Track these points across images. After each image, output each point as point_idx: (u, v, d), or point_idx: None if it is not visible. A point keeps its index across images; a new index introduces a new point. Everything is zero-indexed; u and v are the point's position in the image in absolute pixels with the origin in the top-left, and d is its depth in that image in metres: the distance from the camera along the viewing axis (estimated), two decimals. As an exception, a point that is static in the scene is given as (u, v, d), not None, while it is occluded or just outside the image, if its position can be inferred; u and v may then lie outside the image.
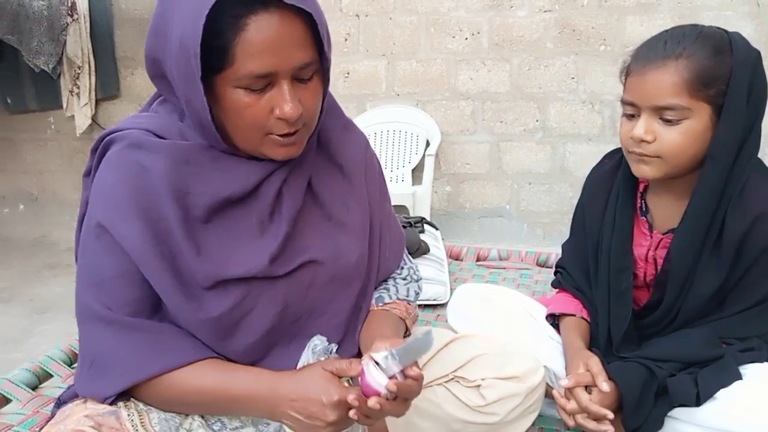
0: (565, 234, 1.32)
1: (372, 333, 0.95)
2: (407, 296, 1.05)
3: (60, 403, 0.89)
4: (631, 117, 1.04)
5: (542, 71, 3.22)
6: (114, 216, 0.82)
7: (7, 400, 1.15)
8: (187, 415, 0.88)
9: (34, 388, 1.19)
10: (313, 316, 0.92)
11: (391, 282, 1.06)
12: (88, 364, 0.85)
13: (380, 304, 1.01)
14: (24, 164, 3.84)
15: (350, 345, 0.96)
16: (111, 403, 0.83)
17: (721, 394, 0.96)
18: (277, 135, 0.81)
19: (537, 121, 3.30)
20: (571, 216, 1.27)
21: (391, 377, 0.77)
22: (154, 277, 0.82)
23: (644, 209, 1.12)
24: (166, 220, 0.82)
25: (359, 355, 1.01)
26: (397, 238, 1.08)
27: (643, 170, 1.03)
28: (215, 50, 0.76)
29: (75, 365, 1.10)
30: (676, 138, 0.99)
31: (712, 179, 1.00)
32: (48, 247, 3.47)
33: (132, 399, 0.85)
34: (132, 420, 0.82)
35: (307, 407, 0.79)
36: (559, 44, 3.17)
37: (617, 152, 1.17)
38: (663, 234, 1.09)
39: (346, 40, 3.28)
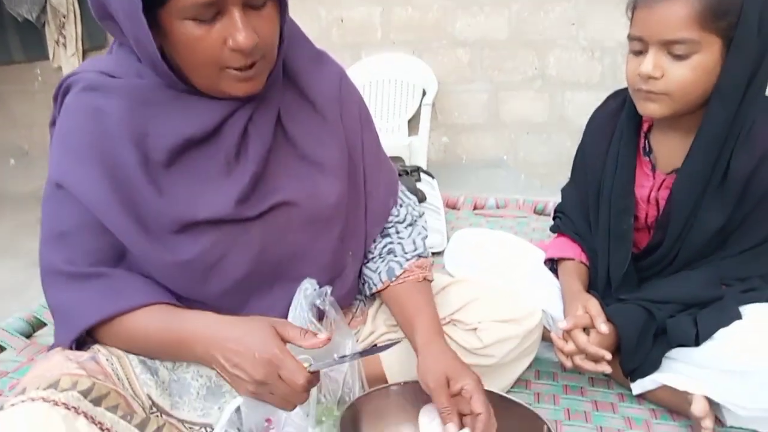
0: (563, 183, 1.30)
1: (406, 318, 0.94)
2: (415, 250, 1.00)
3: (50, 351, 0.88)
4: (638, 54, 1.00)
5: (542, 17, 3.13)
6: (71, 165, 0.80)
7: (2, 348, 1.14)
8: None
9: (29, 336, 1.19)
10: (294, 260, 0.90)
11: (394, 235, 1.02)
12: (54, 316, 0.85)
13: (393, 279, 0.97)
14: (12, 117, 3.77)
15: (339, 288, 0.94)
16: (85, 350, 0.83)
17: (721, 334, 0.95)
18: (234, 69, 0.77)
19: (536, 69, 3.23)
20: (568, 166, 1.24)
21: None
22: (114, 224, 0.79)
23: (647, 149, 1.09)
24: (125, 165, 0.79)
25: (348, 297, 0.99)
26: (387, 173, 1.04)
27: (650, 108, 1.00)
28: None
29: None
30: (685, 73, 0.95)
31: (719, 116, 0.97)
32: (40, 201, 3.44)
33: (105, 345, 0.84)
34: (112, 364, 0.81)
35: (237, 355, 0.74)
36: (559, -12, 3.07)
37: (621, 93, 1.13)
38: (666, 174, 1.07)
39: (340, -15, 3.17)
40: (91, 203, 0.79)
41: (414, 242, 1.01)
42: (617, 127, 1.11)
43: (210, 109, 0.82)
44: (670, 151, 1.06)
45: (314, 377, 0.76)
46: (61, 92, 0.84)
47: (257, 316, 0.81)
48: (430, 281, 1.00)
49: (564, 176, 1.45)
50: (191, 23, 0.73)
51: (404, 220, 1.04)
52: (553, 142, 3.30)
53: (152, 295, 0.82)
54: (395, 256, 0.99)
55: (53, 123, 0.86)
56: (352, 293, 1.01)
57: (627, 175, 1.08)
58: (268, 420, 0.82)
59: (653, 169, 1.08)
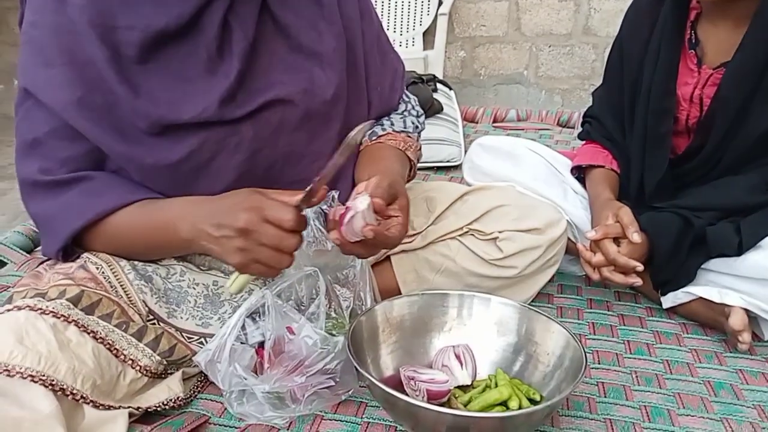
0: (585, 100, 1.19)
1: (363, 169, 0.87)
2: (405, 128, 0.95)
3: (41, 264, 0.84)
4: None
5: None
6: (37, 67, 0.73)
7: (3, 264, 1.11)
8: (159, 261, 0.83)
9: (30, 251, 1.15)
10: (290, 162, 0.83)
11: (384, 118, 0.97)
12: (38, 227, 0.82)
13: (373, 139, 0.92)
14: (12, 36, 3.63)
15: (341, 190, 0.87)
16: (73, 260, 0.80)
17: (766, 241, 0.87)
18: None
19: (561, -27, 3.00)
20: (591, 81, 1.13)
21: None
22: (86, 128, 0.73)
23: (694, 41, 0.97)
24: (94, 63, 0.71)
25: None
26: (390, 66, 0.97)
27: None
28: None
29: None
30: None
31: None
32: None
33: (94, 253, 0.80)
34: (102, 271, 0.77)
35: (218, 214, 0.69)
36: None
37: (665, -24, 1.00)
38: (713, 69, 0.95)
39: None
40: (60, 107, 0.72)
41: (404, 122, 0.97)
42: (660, 15, 0.99)
43: None
44: (719, 42, 0.94)
45: (302, 216, 0.69)
46: None
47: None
48: (409, 159, 0.94)
49: (586, 93, 1.34)
50: None
51: (399, 110, 0.99)
52: (577, 55, 3.12)
53: (133, 193, 0.77)
54: (381, 126, 0.95)
55: (21, 22, 0.77)
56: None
57: (669, 70, 0.97)
58: (289, 328, 0.77)
59: (699, 63, 0.97)
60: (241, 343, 0.77)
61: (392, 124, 0.95)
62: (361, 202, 0.70)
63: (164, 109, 0.73)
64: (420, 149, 1.00)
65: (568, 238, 1.04)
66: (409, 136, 0.96)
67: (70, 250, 0.80)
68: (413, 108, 1.01)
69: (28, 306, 0.68)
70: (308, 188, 0.68)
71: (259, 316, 0.79)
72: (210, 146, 0.77)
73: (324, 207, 0.83)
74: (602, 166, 1.09)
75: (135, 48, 0.72)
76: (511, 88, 3.27)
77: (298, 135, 0.82)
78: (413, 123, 0.98)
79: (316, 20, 0.82)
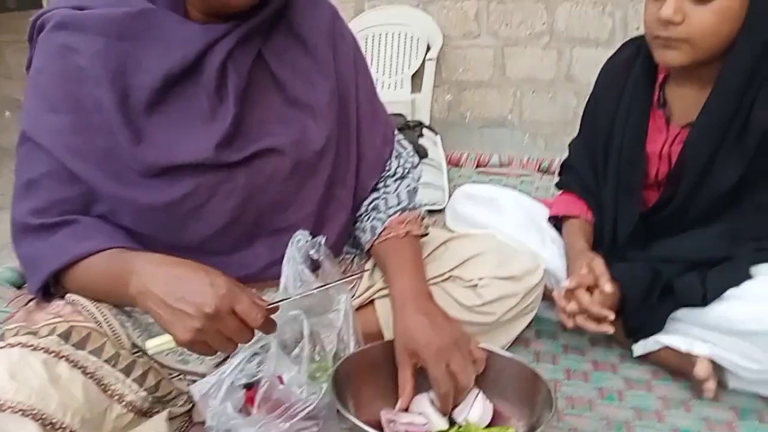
0: (567, 144, 1.25)
1: (387, 280, 0.91)
2: (399, 204, 0.96)
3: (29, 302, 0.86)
4: None
5: (552, -33, 3.01)
6: (40, 112, 0.77)
7: (-8, 299, 1.12)
8: None
9: (19, 286, 1.16)
10: (279, 209, 0.87)
11: (381, 189, 0.98)
12: (24, 268, 0.83)
13: (376, 238, 0.94)
14: (7, 69, 3.68)
15: (327, 235, 0.89)
16: (59, 298, 0.81)
17: (730, 294, 0.92)
18: None
19: (544, 24, 3.12)
20: (573, 126, 1.20)
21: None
22: (86, 173, 0.76)
23: (662, 101, 1.04)
24: (100, 107, 0.75)
25: (336, 248, 0.95)
26: (382, 120, 1.00)
27: (668, 56, 0.94)
28: None
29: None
30: (707, 18, 0.89)
31: (740, 64, 0.91)
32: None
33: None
34: (86, 307, 0.79)
35: (185, 287, 0.66)
36: (571, -64, 2.95)
37: (635, 41, 1.08)
38: (681, 128, 1.02)
39: (342, -69, 3.04)
40: (59, 151, 0.76)
41: (398, 196, 0.97)
42: (630, 77, 1.06)
43: (188, 37, 0.78)
44: (686, 103, 1.01)
45: (270, 319, 0.70)
46: (35, 32, 0.80)
47: None
48: (417, 235, 0.96)
49: (569, 136, 1.39)
50: None
51: (395, 174, 1.00)
52: (559, 101, 3.22)
53: (111, 240, 0.78)
54: (378, 212, 0.96)
55: (29, 66, 0.82)
56: (339, 244, 0.98)
57: (639, 126, 1.03)
58: (279, 378, 0.79)
59: (667, 122, 1.03)
60: (232, 382, 0.79)
61: (387, 205, 0.96)
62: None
63: (163, 151, 0.77)
64: (420, 206, 1.01)
65: (545, 285, 1.08)
66: (405, 210, 0.96)
67: (52, 290, 0.81)
68: (407, 162, 1.02)
69: (21, 343, 0.70)
70: (277, 307, 0.71)
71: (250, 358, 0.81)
72: (204, 190, 0.80)
73: (311, 252, 0.86)
74: (577, 217, 1.14)
75: (143, 92, 0.76)
76: (495, 131, 3.37)
77: (287, 183, 0.86)
78: (408, 187, 0.99)
79: (311, 74, 0.87)
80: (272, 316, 0.72)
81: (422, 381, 0.83)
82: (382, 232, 0.94)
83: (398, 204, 0.96)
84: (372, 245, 0.95)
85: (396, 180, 1.00)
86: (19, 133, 0.80)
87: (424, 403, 0.83)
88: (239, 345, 0.71)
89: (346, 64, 0.92)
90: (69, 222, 0.78)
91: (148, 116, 0.77)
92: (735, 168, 0.95)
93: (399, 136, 1.04)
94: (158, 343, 0.69)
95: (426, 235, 0.99)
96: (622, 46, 1.11)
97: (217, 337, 0.67)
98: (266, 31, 0.83)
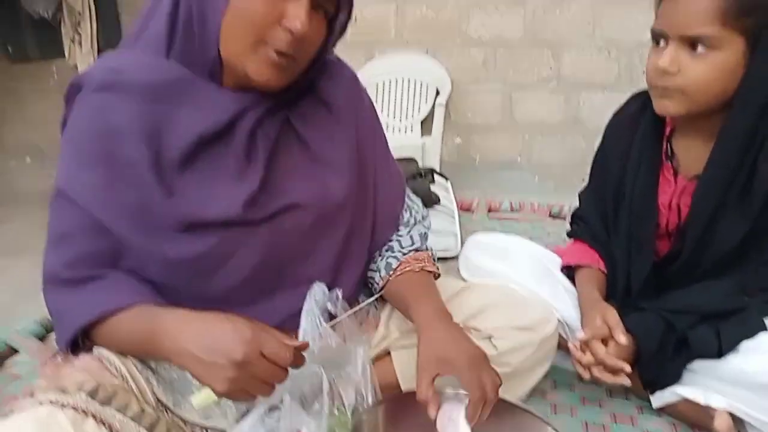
0: (577, 186, 1.27)
1: (406, 310, 0.92)
2: (412, 245, 1.00)
3: (56, 355, 0.88)
4: (659, 49, 0.97)
5: (557, 16, 3.10)
6: (75, 168, 0.80)
7: (16, 351, 1.14)
8: None
9: (42, 338, 1.19)
10: (300, 261, 0.89)
11: (394, 235, 1.02)
12: (53, 320, 0.85)
13: (390, 273, 0.97)
14: (28, 115, 3.79)
15: (343, 290, 0.91)
16: (87, 352, 0.83)
17: (745, 346, 0.92)
18: (272, 49, 0.77)
19: (551, 69, 3.19)
20: (583, 168, 1.22)
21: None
22: (117, 227, 0.79)
23: (670, 153, 1.06)
24: (135, 165, 0.78)
25: (352, 299, 0.97)
26: (395, 176, 1.04)
27: (664, 105, 0.97)
28: None
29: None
30: (703, 70, 0.92)
31: (740, 120, 0.94)
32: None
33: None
34: (113, 363, 0.81)
35: (213, 340, 0.69)
36: (576, -13, 3.04)
37: (642, 95, 1.11)
38: (688, 180, 1.04)
39: (353, -16, 3.15)
40: (91, 205, 0.79)
41: (411, 238, 1.01)
42: (638, 129, 1.09)
43: (223, 102, 0.82)
44: (692, 156, 1.03)
45: (300, 355, 0.73)
46: (73, 92, 0.84)
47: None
48: (431, 272, 0.99)
49: (578, 178, 1.43)
50: None
51: (407, 223, 1.04)
52: (568, 143, 3.27)
53: (139, 295, 0.80)
54: (392, 252, 0.99)
55: (64, 123, 0.86)
56: (354, 294, 1.00)
57: (649, 179, 1.06)
58: None
59: (675, 174, 1.06)
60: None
61: (401, 246, 1.00)
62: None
63: (193, 208, 0.80)
64: (433, 254, 1.04)
65: (560, 335, 1.09)
66: (419, 251, 1.00)
67: (80, 344, 0.83)
68: (417, 212, 1.06)
69: (50, 401, 0.71)
70: (307, 342, 0.75)
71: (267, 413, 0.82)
72: (229, 244, 0.83)
73: (329, 306, 0.88)
74: (590, 266, 1.16)
75: (176, 151, 0.80)
76: (505, 173, 3.40)
77: (308, 237, 0.89)
78: (419, 233, 1.03)
79: (333, 133, 0.91)
80: (291, 370, 0.74)
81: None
82: (397, 267, 0.97)
83: (412, 245, 1.00)
84: (387, 281, 0.97)
85: (408, 227, 1.03)
86: (54, 188, 0.83)
87: (452, 411, 0.82)
88: (276, 386, 0.72)
89: (365, 126, 0.96)
90: (98, 276, 0.81)
91: (179, 174, 0.81)
92: (740, 223, 0.97)
93: (407, 191, 1.08)
94: (201, 398, 0.71)
95: (438, 276, 1.01)
96: (629, 99, 1.15)
97: (252, 382, 0.70)
98: (293, 97, 0.88)
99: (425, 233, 1.05)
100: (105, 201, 0.79)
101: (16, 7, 3.32)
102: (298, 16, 0.75)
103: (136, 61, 0.83)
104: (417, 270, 0.97)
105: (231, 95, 0.83)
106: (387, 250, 1.00)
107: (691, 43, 0.92)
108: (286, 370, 0.72)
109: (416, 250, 1.00)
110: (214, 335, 0.71)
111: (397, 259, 0.98)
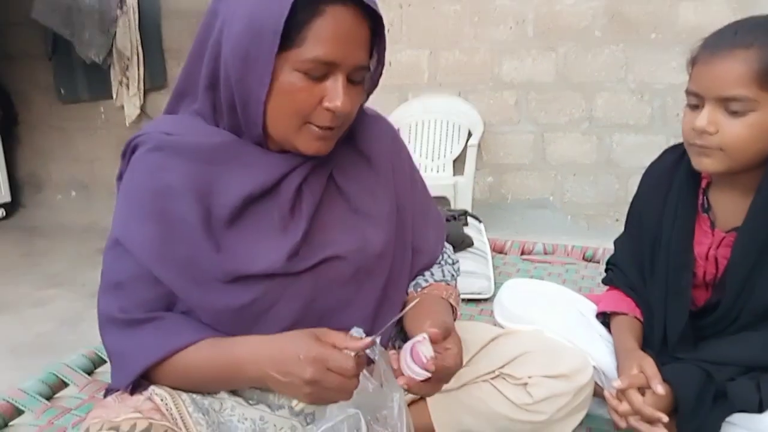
0: (610, 226, 1.28)
1: (413, 319, 0.94)
2: (443, 277, 1.04)
3: (107, 391, 0.93)
4: (694, 108, 0.99)
5: (589, 60, 3.14)
6: (130, 221, 0.85)
7: (66, 384, 1.19)
8: (216, 393, 0.90)
9: (90, 373, 1.23)
10: (339, 310, 0.92)
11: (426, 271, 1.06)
12: (111, 360, 0.90)
13: (418, 290, 1.01)
14: (76, 152, 3.98)
15: (381, 335, 0.95)
16: (141, 391, 0.87)
17: (786, 401, 0.92)
18: (316, 126, 0.82)
19: (583, 111, 3.22)
20: (616, 208, 1.24)
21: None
22: (168, 279, 0.84)
23: (706, 206, 1.07)
24: (186, 221, 0.83)
25: (387, 340, 1.00)
26: (435, 224, 1.08)
27: (704, 163, 0.99)
28: (285, 29, 0.77)
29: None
30: (740, 130, 0.94)
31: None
32: (99, 233, 3.60)
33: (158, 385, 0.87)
34: (166, 403, 0.84)
35: (285, 363, 0.77)
36: (607, 32, 3.09)
37: (678, 147, 1.12)
38: (725, 232, 1.05)
39: (388, 30, 3.24)
40: (144, 258, 0.84)
41: (442, 272, 1.05)
42: (674, 181, 1.10)
43: (270, 165, 0.87)
44: (729, 209, 1.04)
45: (360, 361, 0.78)
46: (129, 150, 0.90)
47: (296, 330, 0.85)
48: (453, 307, 1.01)
49: (611, 218, 1.43)
50: (300, 75, 0.80)
51: (439, 262, 1.08)
52: (600, 184, 3.26)
53: (201, 331, 0.85)
54: (423, 277, 1.04)
55: (120, 178, 0.92)
56: (389, 339, 1.02)
57: (686, 230, 1.07)
58: None
59: (712, 226, 1.07)
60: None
61: (432, 274, 1.05)
62: (418, 336, 0.80)
63: (240, 262, 0.85)
64: (459, 295, 1.09)
65: (596, 383, 1.09)
66: (448, 284, 1.05)
67: (137, 384, 0.87)
68: (449, 257, 1.11)
69: (105, 439, 0.75)
70: (369, 339, 0.79)
71: None
72: (272, 295, 0.87)
73: (367, 351, 0.91)
74: (626, 314, 1.16)
75: (225, 209, 0.85)
76: (537, 212, 3.41)
77: (347, 287, 0.92)
78: (450, 272, 1.08)
79: (373, 187, 0.95)
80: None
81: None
82: (425, 287, 1.01)
83: (442, 277, 1.04)
84: (411, 297, 1.00)
85: (439, 265, 1.07)
86: (110, 235, 0.89)
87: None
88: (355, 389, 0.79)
89: (403, 178, 1.01)
90: (156, 318, 0.86)
91: (227, 230, 0.85)
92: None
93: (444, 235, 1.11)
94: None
95: (456, 317, 1.04)
96: (665, 152, 1.16)
97: (328, 393, 0.77)
98: (335, 151, 0.92)
99: (454, 275, 1.08)
100: (157, 254, 0.84)
101: (69, 53, 3.52)
102: (337, 96, 0.80)
103: (189, 125, 0.89)
104: (443, 295, 1.00)
105: (278, 157, 0.88)
106: (418, 277, 1.04)
107: (728, 103, 0.94)
108: (357, 377, 0.78)
109: (446, 282, 1.04)
110: (286, 357, 0.78)
111: (427, 281, 1.02)
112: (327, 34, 0.78)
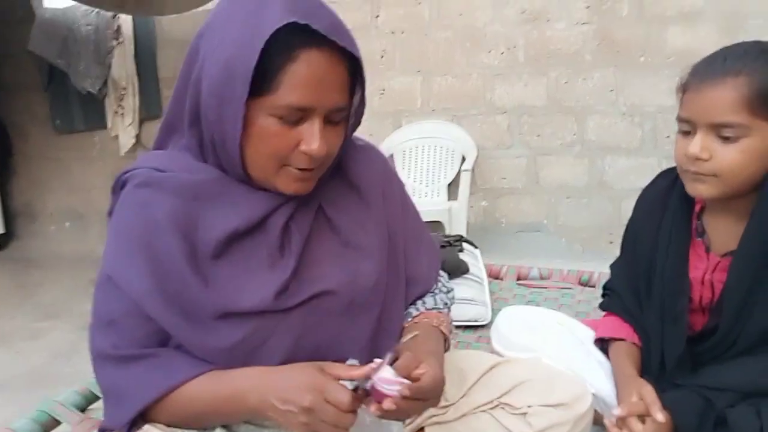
0: (604, 249, 1.29)
1: (402, 346, 0.94)
2: (435, 305, 1.03)
3: (101, 430, 0.91)
4: (686, 134, 1.01)
5: (580, 84, 3.18)
6: (120, 258, 0.85)
7: (58, 423, 1.17)
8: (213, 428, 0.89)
9: (83, 410, 1.21)
10: (333, 344, 0.91)
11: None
12: (106, 398, 0.89)
13: (408, 320, 1.00)
14: (71, 182, 3.98)
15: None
16: (136, 430, 0.85)
17: (787, 428, 0.91)
18: (295, 168, 0.83)
19: (574, 134, 3.25)
20: (610, 230, 1.24)
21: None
22: (157, 314, 0.84)
23: (700, 231, 1.08)
24: (173, 257, 0.83)
25: None
26: (429, 250, 1.07)
27: (698, 189, 1.00)
28: (259, 75, 0.77)
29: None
30: (733, 156, 0.95)
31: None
32: (94, 263, 3.54)
33: (153, 423, 0.86)
34: None
35: (285, 391, 0.78)
36: (597, 56, 3.14)
37: (671, 171, 1.13)
38: (720, 256, 1.05)
39: (381, 57, 3.30)
40: (135, 295, 0.84)
41: (435, 300, 1.04)
42: (668, 206, 1.11)
43: (256, 202, 0.87)
44: (723, 233, 1.05)
45: (357, 397, 0.78)
46: (119, 185, 0.90)
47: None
48: (444, 336, 1.00)
49: (605, 240, 1.43)
50: (275, 120, 0.80)
51: (433, 291, 1.07)
52: (594, 206, 3.28)
53: (199, 366, 0.85)
54: (414, 307, 1.03)
55: (110, 213, 0.92)
56: None
57: (681, 255, 1.07)
58: None
59: (707, 251, 1.07)
60: None
61: (424, 302, 1.04)
62: (376, 364, 0.79)
63: (228, 298, 0.84)
64: (451, 323, 1.08)
65: (595, 410, 1.08)
66: (440, 312, 1.04)
67: (133, 422, 0.86)
68: (443, 285, 1.10)
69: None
70: (367, 368, 0.78)
71: None
72: (262, 332, 0.86)
73: (363, 383, 0.90)
74: (623, 340, 1.16)
75: (211, 245, 0.84)
76: (531, 236, 3.42)
77: (340, 321, 0.91)
78: (443, 300, 1.07)
79: (364, 218, 0.95)
80: None
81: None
82: (416, 316, 1.00)
83: (434, 305, 1.03)
84: (402, 328, 0.99)
85: (432, 294, 1.06)
86: (101, 272, 0.88)
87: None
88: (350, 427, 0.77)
89: (394, 206, 1.00)
90: (150, 354, 0.85)
91: (213, 265, 0.85)
92: (777, 303, 0.97)
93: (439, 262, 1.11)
94: None
95: (448, 349, 1.03)
96: (659, 176, 1.17)
97: (323, 426, 0.76)
98: (324, 186, 0.92)
99: (448, 303, 1.08)
100: (146, 290, 0.83)
101: (65, 83, 3.55)
102: (313, 139, 0.80)
103: (177, 161, 0.89)
104: (434, 324, 0.99)
105: (263, 195, 0.87)
106: (410, 307, 1.03)
107: (720, 129, 0.95)
108: (353, 413, 0.77)
109: (438, 310, 1.03)
110: (287, 384, 0.79)
111: (418, 310, 1.01)
112: (301, 80, 0.77)
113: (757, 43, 0.98)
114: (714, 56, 1.00)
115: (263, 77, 0.77)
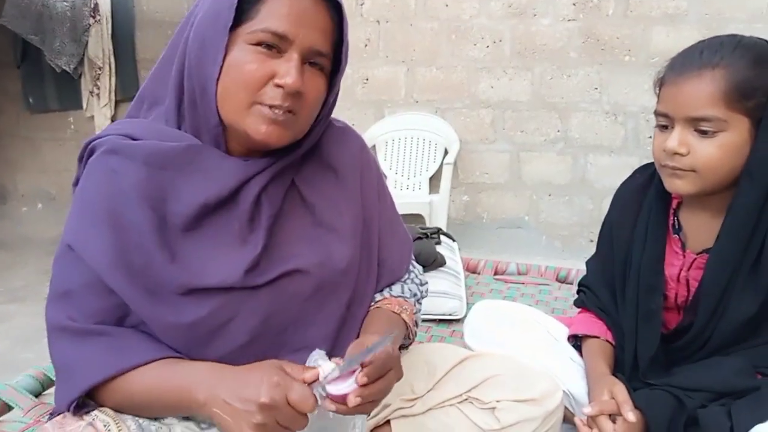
0: (584, 247, 1.27)
1: (361, 332, 0.92)
2: (402, 293, 1.01)
3: (52, 414, 0.87)
4: (664, 129, 0.99)
5: (565, 81, 3.17)
6: (82, 227, 0.81)
7: (9, 408, 1.12)
8: (163, 419, 0.85)
9: (37, 395, 1.17)
10: (299, 327, 0.89)
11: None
12: (57, 375, 0.85)
13: (371, 304, 0.98)
14: (43, 163, 3.87)
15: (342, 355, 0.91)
16: (84, 413, 0.82)
17: (758, 429, 0.89)
18: (267, 105, 0.79)
19: (558, 131, 3.24)
20: (590, 228, 1.22)
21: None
22: (121, 288, 0.80)
23: (677, 227, 1.06)
24: (139, 229, 0.80)
25: None
26: (402, 240, 1.05)
27: (676, 185, 0.98)
28: (241, 7, 0.78)
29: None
30: (711, 151, 0.93)
31: (749, 197, 0.94)
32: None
33: (105, 407, 0.82)
34: (109, 429, 0.79)
35: (243, 387, 0.72)
36: (582, 54, 3.12)
37: (648, 167, 1.11)
38: (697, 254, 1.03)
39: (366, 45, 3.25)
40: (97, 266, 0.80)
41: (402, 288, 1.02)
42: (645, 202, 1.09)
43: (228, 170, 0.84)
44: (700, 230, 1.03)
45: (315, 398, 0.74)
46: (86, 154, 0.86)
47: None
48: (406, 324, 0.97)
49: (585, 238, 1.42)
50: (251, 48, 0.79)
51: (402, 278, 1.04)
52: (575, 204, 3.28)
53: (154, 351, 0.81)
54: (380, 293, 1.00)
55: (76, 183, 0.88)
56: None
57: (656, 252, 1.05)
58: None
59: (683, 247, 1.05)
60: None
61: (390, 289, 1.01)
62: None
63: (195, 274, 0.81)
64: (418, 312, 1.05)
65: (566, 407, 1.06)
66: (406, 300, 1.01)
67: (81, 403, 0.82)
68: (416, 277, 1.07)
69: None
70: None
71: None
72: (228, 310, 0.83)
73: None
74: (597, 337, 1.14)
75: (181, 217, 0.81)
76: (512, 232, 3.41)
77: (309, 303, 0.89)
78: (411, 290, 1.04)
79: (339, 200, 0.92)
80: None
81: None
82: (379, 301, 0.97)
83: (401, 293, 1.01)
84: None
85: (401, 280, 1.03)
86: (61, 242, 0.85)
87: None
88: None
89: (371, 192, 0.97)
90: (106, 332, 0.81)
91: (182, 240, 0.82)
92: (751, 300, 0.95)
93: (412, 258, 1.08)
94: None
95: (410, 343, 1.01)
96: (636, 171, 1.15)
97: (277, 428, 0.71)
98: (299, 161, 0.89)
99: (418, 295, 1.05)
100: (109, 261, 0.79)
101: (39, 61, 3.44)
102: (288, 73, 0.78)
103: (148, 128, 0.86)
104: (395, 311, 0.96)
105: (237, 163, 0.84)
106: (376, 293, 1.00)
107: (697, 123, 0.94)
108: (306, 417, 0.72)
109: (404, 298, 1.00)
110: (244, 381, 0.73)
111: (382, 295, 0.99)
112: (282, 10, 0.78)
113: (734, 36, 0.97)
114: (691, 49, 0.98)
115: (244, 9, 0.79)
